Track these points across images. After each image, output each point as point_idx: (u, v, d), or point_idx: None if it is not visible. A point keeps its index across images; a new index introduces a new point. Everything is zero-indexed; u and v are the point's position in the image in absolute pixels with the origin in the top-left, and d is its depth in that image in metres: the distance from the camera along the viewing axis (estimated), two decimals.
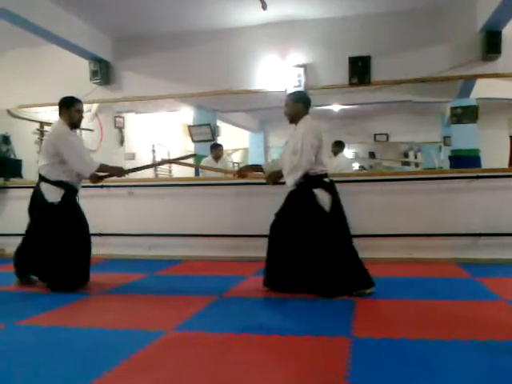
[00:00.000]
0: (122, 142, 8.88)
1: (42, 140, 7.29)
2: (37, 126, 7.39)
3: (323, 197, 3.82)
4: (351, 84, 5.85)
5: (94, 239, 6.12)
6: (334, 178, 4.10)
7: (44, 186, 4.21)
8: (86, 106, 7.34)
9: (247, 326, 3.05)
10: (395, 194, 5.58)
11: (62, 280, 4.15)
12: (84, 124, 8.02)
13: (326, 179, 3.93)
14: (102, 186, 6.21)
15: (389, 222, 5.50)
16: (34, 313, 3.43)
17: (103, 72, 6.24)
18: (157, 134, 10.17)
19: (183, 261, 5.71)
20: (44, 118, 7.26)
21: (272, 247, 4.02)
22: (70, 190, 4.27)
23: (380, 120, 11.89)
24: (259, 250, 5.66)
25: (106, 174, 4.53)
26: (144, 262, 5.73)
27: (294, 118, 4.02)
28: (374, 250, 5.50)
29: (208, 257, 5.75)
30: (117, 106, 7.76)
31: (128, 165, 8.47)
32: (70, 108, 4.32)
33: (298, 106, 4.00)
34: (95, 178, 4.41)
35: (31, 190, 6.37)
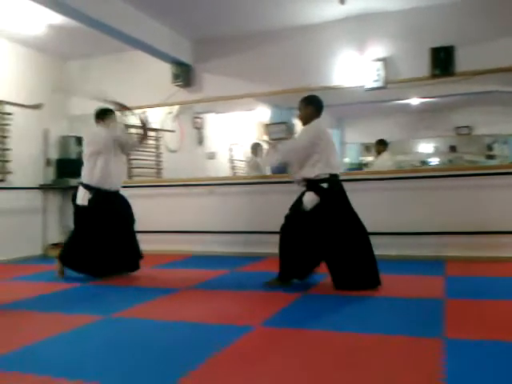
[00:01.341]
0: (200, 141, 9.11)
1: None
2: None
3: (310, 198, 3.95)
4: (433, 76, 5.64)
5: (175, 236, 6.42)
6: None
7: (79, 189, 4.73)
8: (167, 109, 7.69)
9: (334, 323, 3.04)
10: (476, 190, 5.37)
11: (91, 267, 4.70)
12: (166, 125, 8.38)
13: (324, 184, 3.96)
14: (183, 185, 6.46)
15: (472, 219, 5.31)
16: (128, 306, 3.62)
17: (184, 75, 6.44)
18: (234, 133, 10.33)
19: (262, 257, 5.78)
20: (130, 121, 7.59)
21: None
22: (98, 194, 4.65)
23: (462, 112, 11.37)
24: None
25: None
26: (225, 258, 5.87)
27: (305, 121, 4.10)
28: (459, 248, 5.31)
29: None
30: (196, 107, 7.96)
31: (209, 164, 8.67)
32: (104, 118, 4.81)
33: (308, 109, 4.09)
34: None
35: (125, 190, 6.73)
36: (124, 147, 4.88)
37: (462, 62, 5.49)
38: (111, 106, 4.96)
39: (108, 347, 2.70)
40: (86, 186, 4.67)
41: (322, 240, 3.98)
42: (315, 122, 4.06)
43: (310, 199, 3.97)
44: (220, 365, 2.38)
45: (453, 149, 15.65)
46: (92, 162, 4.65)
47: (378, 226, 5.56)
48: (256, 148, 7.93)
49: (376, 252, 5.46)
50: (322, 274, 4.63)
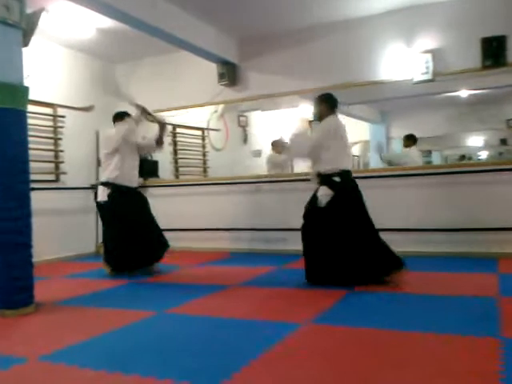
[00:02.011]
0: (245, 140, 9.17)
1: (175, 142, 7.78)
2: (170, 128, 7.87)
3: (325, 194, 4.05)
4: (484, 67, 5.45)
5: (223, 233, 6.48)
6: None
7: (98, 187, 5.03)
8: (213, 107, 7.78)
9: (383, 321, 3.00)
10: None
11: (115, 262, 4.95)
12: (212, 124, 8.47)
13: (337, 178, 4.06)
14: (231, 183, 6.51)
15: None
16: (179, 302, 3.70)
17: (230, 74, 6.49)
18: (278, 130, 10.33)
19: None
20: (177, 121, 7.71)
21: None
22: (116, 190, 4.90)
23: None
24: (393, 243, 5.59)
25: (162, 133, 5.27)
26: (271, 256, 5.89)
27: (320, 118, 4.24)
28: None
29: None
30: (241, 105, 8.01)
31: (254, 162, 8.70)
32: (119, 120, 5.07)
33: (322, 106, 4.23)
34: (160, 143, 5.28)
35: (168, 189, 6.87)
36: (141, 149, 5.16)
37: None
38: (135, 108, 5.23)
39: (162, 343, 2.77)
40: (105, 184, 4.93)
41: (340, 235, 4.03)
42: (328, 119, 4.18)
43: (324, 193, 4.07)
44: (272, 361, 2.40)
45: (503, 142, 15.11)
46: (108, 161, 4.94)
47: (427, 222, 5.46)
48: (277, 145, 7.95)
49: (426, 249, 5.40)
50: None
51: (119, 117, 5.10)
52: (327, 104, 4.23)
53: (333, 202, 4.05)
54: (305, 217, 4.24)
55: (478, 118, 11.11)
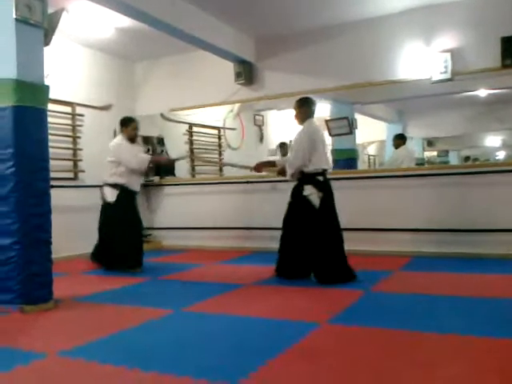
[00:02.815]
0: (261, 139, 9.18)
1: (191, 140, 7.83)
2: (186, 127, 7.92)
3: (312, 192, 4.21)
4: (504, 66, 5.38)
5: (241, 233, 6.49)
6: None
7: (105, 189, 5.19)
8: (229, 107, 7.80)
9: (402, 322, 2.98)
10: None
11: (119, 262, 5.12)
12: (228, 123, 8.50)
13: (320, 177, 4.27)
14: (247, 182, 6.52)
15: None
16: (196, 300, 3.72)
17: (246, 73, 6.49)
18: (293, 129, 10.33)
19: None
20: (193, 120, 7.75)
21: (283, 237, 4.52)
22: (124, 191, 5.13)
23: None
24: (408, 244, 5.55)
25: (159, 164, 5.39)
26: None
27: (300, 121, 4.45)
28: None
29: (353, 251, 5.71)
30: (257, 105, 8.01)
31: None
32: (127, 127, 5.23)
33: (302, 109, 4.44)
34: (149, 170, 5.43)
35: (184, 187, 6.90)
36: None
37: None
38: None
39: (179, 340, 2.78)
40: (114, 185, 5.13)
41: (337, 233, 4.29)
42: (308, 123, 4.37)
43: (311, 192, 4.22)
44: (290, 361, 2.40)
45: None
46: (114, 169, 5.12)
47: (442, 222, 5.42)
48: (283, 147, 8.12)
49: (444, 250, 5.35)
50: (387, 271, 4.59)
51: (125, 123, 5.26)
52: (307, 107, 4.42)
53: (324, 203, 4.22)
54: (301, 221, 4.30)
55: (496, 117, 10.98)
